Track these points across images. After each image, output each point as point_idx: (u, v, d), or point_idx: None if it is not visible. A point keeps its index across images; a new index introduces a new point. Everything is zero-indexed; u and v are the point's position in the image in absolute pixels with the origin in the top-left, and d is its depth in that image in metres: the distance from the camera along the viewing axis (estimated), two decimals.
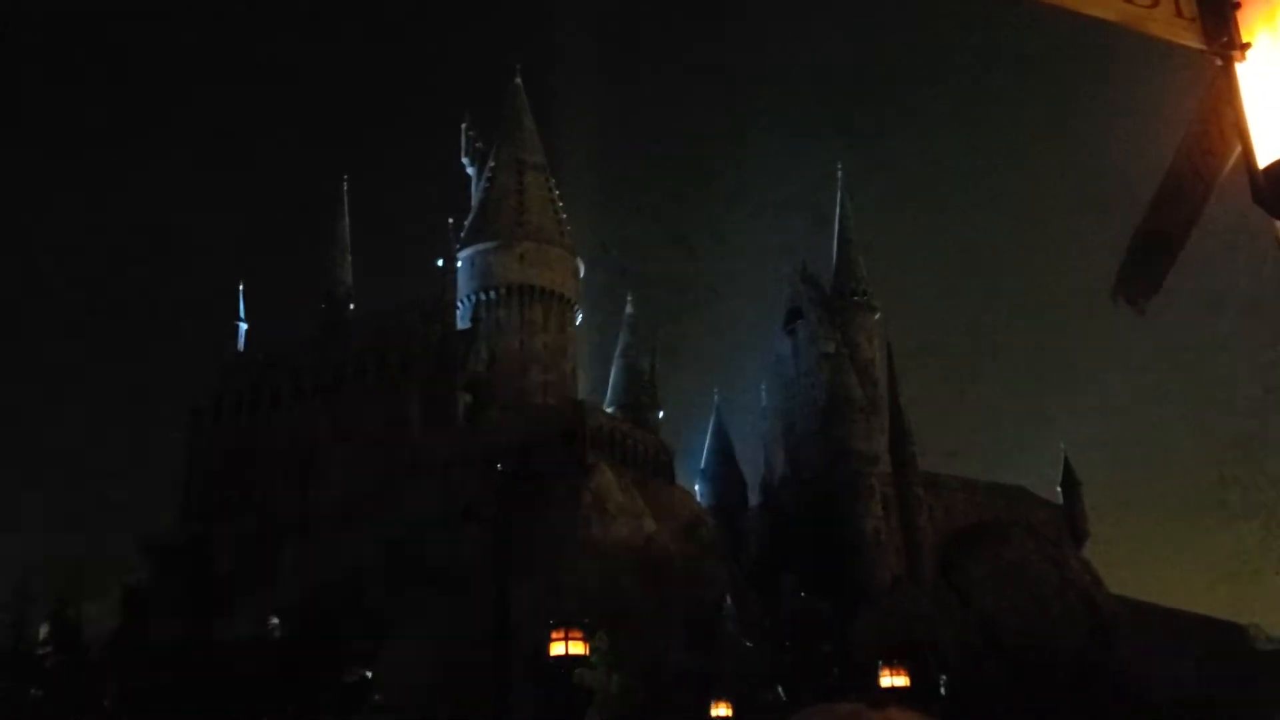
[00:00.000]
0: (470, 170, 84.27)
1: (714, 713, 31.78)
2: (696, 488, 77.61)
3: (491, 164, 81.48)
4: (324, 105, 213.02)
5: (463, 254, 76.96)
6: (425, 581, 55.53)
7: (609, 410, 72.51)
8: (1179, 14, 2.93)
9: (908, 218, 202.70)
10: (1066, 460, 79.31)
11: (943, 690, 56.74)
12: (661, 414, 77.87)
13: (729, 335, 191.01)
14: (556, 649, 17.86)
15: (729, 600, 56.24)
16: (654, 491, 63.78)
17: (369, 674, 31.50)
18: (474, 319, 74.37)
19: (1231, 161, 2.91)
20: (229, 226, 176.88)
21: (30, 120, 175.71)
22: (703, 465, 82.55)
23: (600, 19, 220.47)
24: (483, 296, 76.64)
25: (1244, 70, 2.82)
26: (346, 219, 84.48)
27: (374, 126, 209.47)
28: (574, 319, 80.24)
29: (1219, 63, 2.88)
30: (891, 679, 29.44)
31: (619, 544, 57.07)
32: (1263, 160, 2.74)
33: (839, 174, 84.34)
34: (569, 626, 18.09)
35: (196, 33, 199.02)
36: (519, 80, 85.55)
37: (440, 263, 74.49)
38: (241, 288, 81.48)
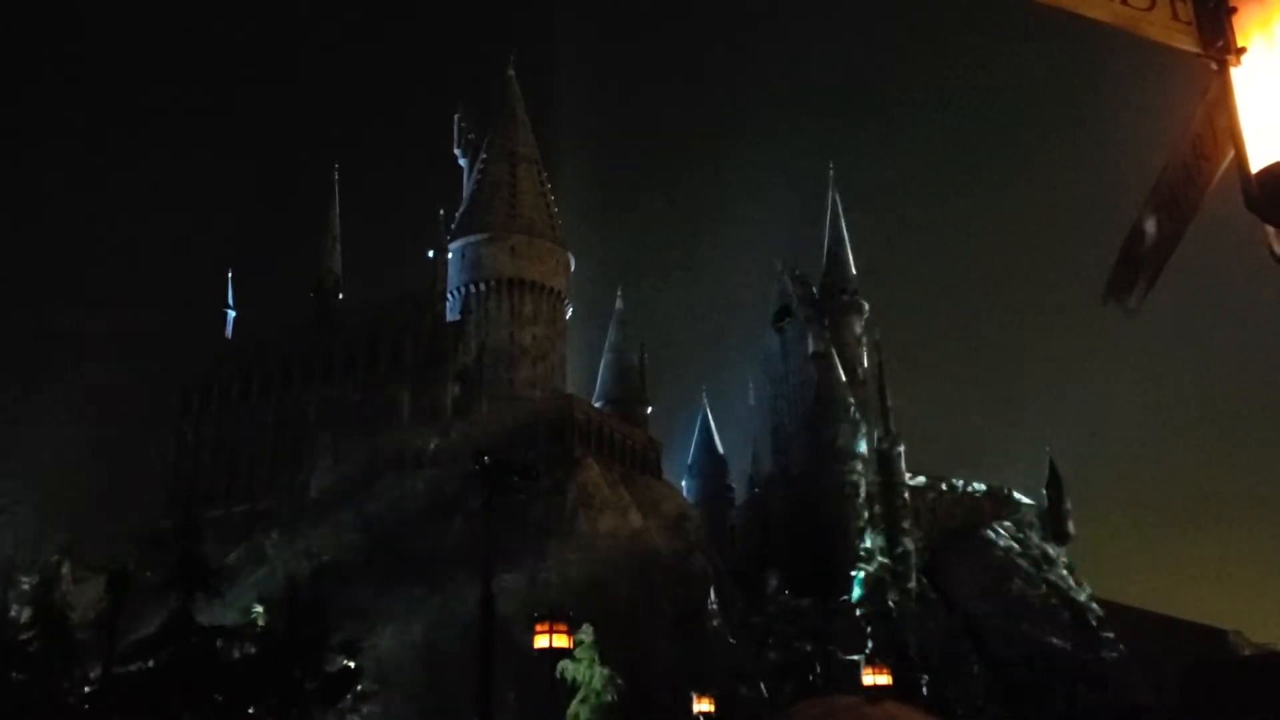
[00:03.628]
0: (462, 161, 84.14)
1: (697, 708, 31.84)
2: (683, 483, 77.66)
3: (484, 156, 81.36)
4: (316, 93, 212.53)
5: (453, 245, 76.89)
6: (411, 572, 55.53)
7: (597, 405, 72.49)
8: (1175, 17, 2.94)
9: (898, 217, 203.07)
10: (1051, 462, 79.51)
11: (924, 690, 56.94)
12: (650, 409, 77.92)
13: (718, 332, 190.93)
14: (540, 642, 17.85)
15: (713, 596, 56.34)
16: (641, 486, 63.81)
17: (353, 664, 31.45)
18: (464, 311, 74.26)
19: (1224, 166, 2.92)
20: (219, 214, 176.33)
21: (20, 106, 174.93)
22: (690, 461, 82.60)
23: (595, 12, 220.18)
24: (473, 289, 76.58)
25: (1238, 75, 2.83)
26: (337, 208, 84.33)
27: (366, 115, 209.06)
28: (564, 313, 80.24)
29: (1214, 67, 2.89)
30: (874, 678, 29.49)
31: (605, 538, 57.09)
32: (1255, 165, 2.75)
33: (830, 172, 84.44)
34: (553, 619, 18.07)
35: (190, 21, 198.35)
36: (512, 72, 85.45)
37: (431, 254, 74.38)
38: (231, 275, 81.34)
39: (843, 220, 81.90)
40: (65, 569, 46.73)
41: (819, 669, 55.29)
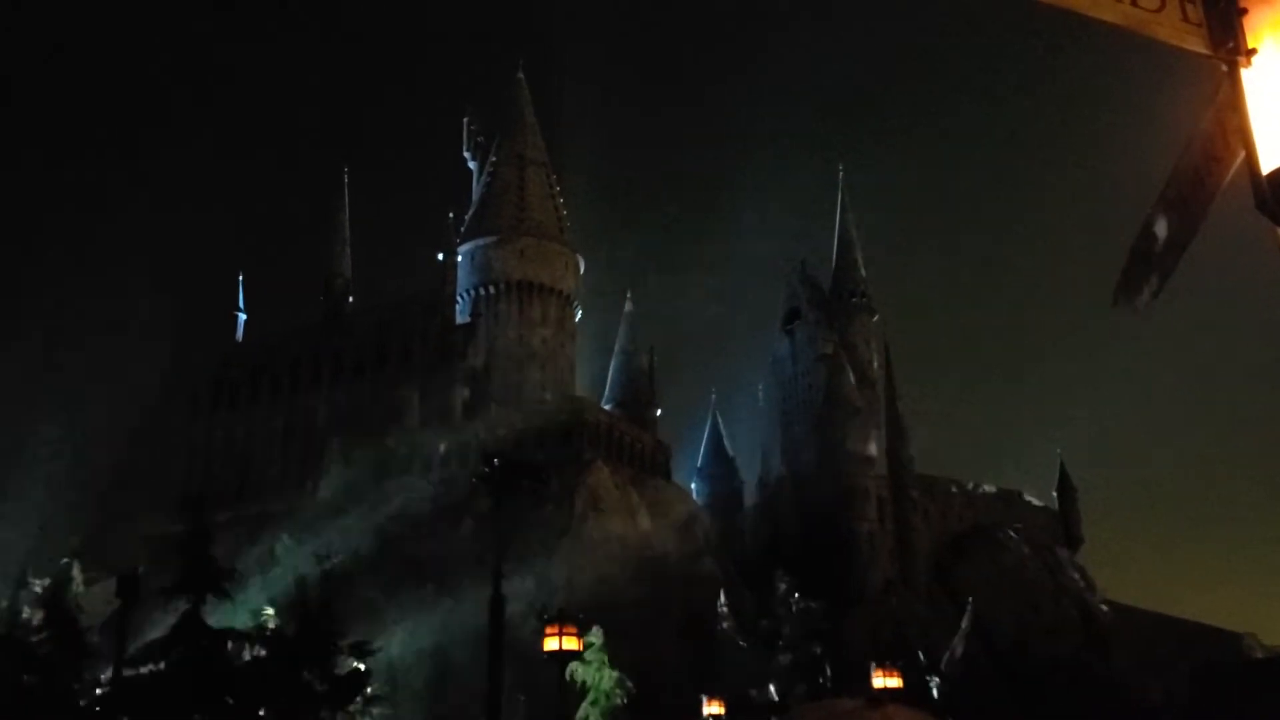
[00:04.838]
0: (471, 164, 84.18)
1: (706, 710, 31.82)
2: (693, 486, 77.57)
3: (493, 159, 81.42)
4: (326, 96, 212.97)
5: (463, 248, 76.92)
6: (420, 574, 55.58)
7: (606, 407, 72.48)
8: (1185, 19, 2.93)
9: (908, 220, 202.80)
10: (1062, 465, 79.40)
11: (934, 693, 56.84)
12: (659, 412, 77.86)
13: (727, 335, 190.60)
14: (550, 644, 17.89)
15: (723, 598, 56.28)
16: (650, 489, 63.79)
17: (363, 666, 31.45)
18: (473, 314, 74.35)
19: (1235, 167, 2.91)
20: (229, 217, 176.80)
21: (33, 109, 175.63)
22: (699, 464, 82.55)
23: (603, 16, 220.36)
24: (482, 291, 76.62)
25: (1249, 76, 2.82)
26: (347, 211, 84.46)
27: (376, 119, 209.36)
28: (573, 316, 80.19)
29: (1224, 68, 2.88)
30: (884, 680, 29.50)
31: (614, 541, 57.08)
32: (1266, 166, 2.74)
33: (839, 175, 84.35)
34: (563, 622, 18.11)
35: (201, 23, 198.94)
36: (521, 75, 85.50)
37: (440, 257, 74.47)
38: (241, 278, 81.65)
39: (852, 222, 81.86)
40: (76, 571, 46.80)
41: (829, 672, 55.21)
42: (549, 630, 17.94)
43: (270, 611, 38.05)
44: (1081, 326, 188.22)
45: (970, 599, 67.43)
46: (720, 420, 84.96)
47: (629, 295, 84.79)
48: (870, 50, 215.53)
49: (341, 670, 30.01)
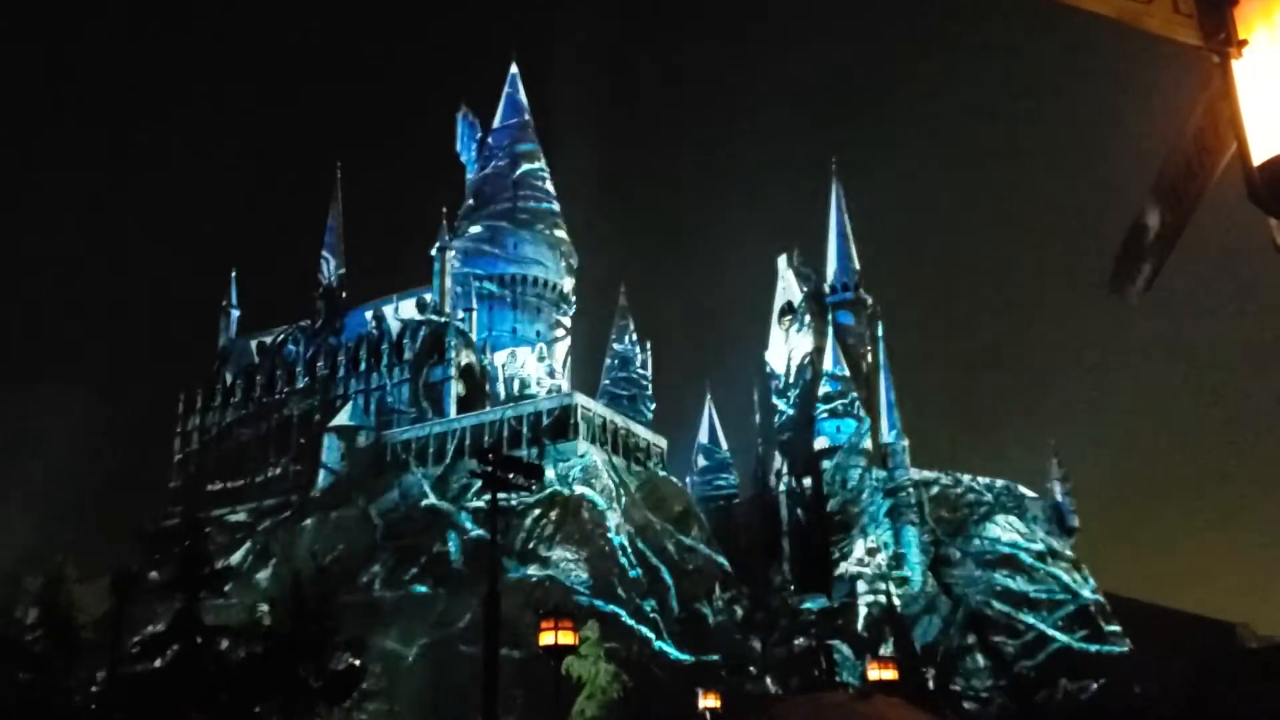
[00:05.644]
0: (465, 159, 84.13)
1: (702, 704, 31.82)
2: (687, 479, 77.59)
3: (486, 153, 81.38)
4: (319, 91, 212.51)
5: (456, 243, 76.88)
6: (416, 570, 55.59)
7: (601, 401, 72.50)
8: (1176, 10, 2.93)
9: (903, 212, 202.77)
10: (1056, 455, 79.39)
11: (930, 684, 56.96)
12: (654, 405, 77.86)
13: (722, 328, 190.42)
14: (546, 639, 17.87)
15: (718, 592, 56.37)
16: (645, 483, 63.80)
17: (358, 662, 31.48)
18: (467, 308, 74.30)
19: (1227, 158, 2.91)
20: (222, 214, 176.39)
21: (22, 105, 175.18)
22: (694, 457, 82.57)
23: (599, 9, 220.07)
24: (476, 285, 76.58)
25: (1240, 67, 2.82)
26: (340, 206, 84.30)
27: (369, 113, 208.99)
28: (567, 309, 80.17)
29: (1216, 60, 2.89)
30: (879, 673, 29.51)
31: (609, 534, 57.09)
32: (1258, 157, 2.74)
33: (833, 168, 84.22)
34: (558, 616, 18.10)
35: (193, 20, 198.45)
36: (515, 69, 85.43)
37: (434, 251, 74.41)
38: (234, 274, 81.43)
39: (846, 215, 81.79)
40: (70, 569, 46.70)
41: (824, 664, 55.34)
42: (544, 625, 17.93)
43: (265, 608, 38.06)
44: (1076, 317, 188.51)
45: (965, 591, 67.55)
46: (715, 414, 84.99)
47: (623, 289, 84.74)
48: (863, 43, 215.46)
49: (337, 666, 30.03)
